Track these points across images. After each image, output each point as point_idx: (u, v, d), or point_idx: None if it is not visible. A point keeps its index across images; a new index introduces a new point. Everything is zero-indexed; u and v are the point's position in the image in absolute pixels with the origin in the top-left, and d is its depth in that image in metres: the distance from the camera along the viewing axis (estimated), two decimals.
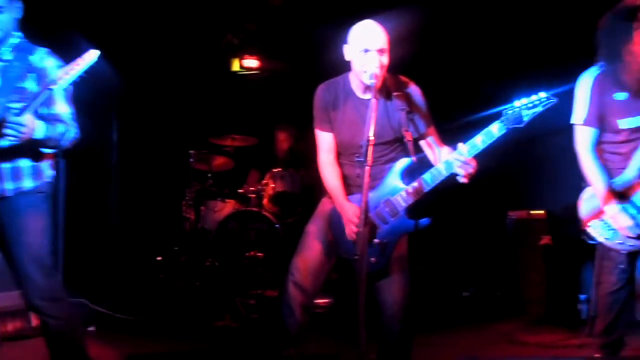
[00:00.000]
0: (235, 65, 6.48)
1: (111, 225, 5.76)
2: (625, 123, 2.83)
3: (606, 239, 2.88)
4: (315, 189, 3.15)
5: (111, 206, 5.83)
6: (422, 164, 2.76)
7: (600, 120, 2.86)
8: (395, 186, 2.75)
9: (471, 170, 2.56)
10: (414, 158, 2.65)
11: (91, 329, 4.04)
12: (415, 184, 2.69)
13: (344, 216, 2.76)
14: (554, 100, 2.43)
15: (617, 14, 2.80)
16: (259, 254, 5.19)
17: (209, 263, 5.23)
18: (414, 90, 2.82)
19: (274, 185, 5.45)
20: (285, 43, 6.16)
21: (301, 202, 5.44)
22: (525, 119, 2.46)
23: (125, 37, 5.48)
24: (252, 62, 6.40)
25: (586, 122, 2.88)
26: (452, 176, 2.61)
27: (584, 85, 2.87)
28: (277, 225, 5.24)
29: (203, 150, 5.71)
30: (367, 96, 2.76)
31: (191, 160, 5.63)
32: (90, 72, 2.50)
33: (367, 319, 2.36)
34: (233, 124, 5.84)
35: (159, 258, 5.48)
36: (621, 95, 2.81)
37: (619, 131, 2.85)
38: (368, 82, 2.64)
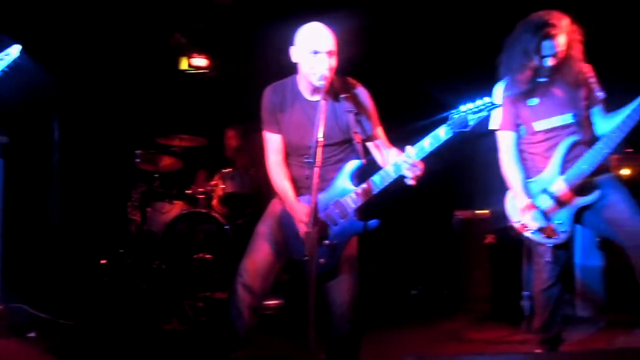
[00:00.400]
0: (184, 64, 6.38)
1: (52, 227, 5.58)
2: (540, 125, 3.06)
3: (532, 233, 3.04)
4: (265, 189, 3.13)
5: (52, 207, 5.65)
6: (372, 166, 2.80)
7: (516, 124, 3.10)
8: (345, 188, 2.77)
9: (418, 172, 2.61)
10: (363, 160, 2.68)
11: (31, 335, 3.89)
12: (364, 185, 2.72)
13: (295, 217, 2.76)
14: (498, 105, 2.51)
15: (525, 26, 2.98)
16: (208, 255, 5.13)
17: (155, 266, 5.13)
18: (362, 92, 2.85)
19: (223, 186, 5.39)
20: (233, 42, 6.11)
21: (251, 203, 5.41)
22: (471, 123, 2.54)
23: (72, 35, 5.33)
24: (200, 61, 6.32)
25: (502, 127, 3.13)
26: (401, 178, 2.66)
27: (497, 94, 3.09)
28: (227, 227, 5.20)
29: (150, 150, 5.59)
30: (315, 98, 2.78)
31: (137, 160, 5.50)
32: (24, 70, 2.41)
33: (316, 319, 2.37)
34: (181, 124, 5.75)
35: (103, 261, 5.33)
36: (533, 101, 3.06)
37: (535, 133, 3.07)
38: (317, 83, 2.65)
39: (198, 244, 5.19)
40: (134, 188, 5.50)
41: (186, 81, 6.42)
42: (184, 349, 3.91)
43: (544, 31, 2.90)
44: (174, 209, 5.42)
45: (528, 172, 3.14)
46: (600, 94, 3.10)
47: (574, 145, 3.02)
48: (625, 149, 4.40)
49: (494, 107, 2.54)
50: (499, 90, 3.12)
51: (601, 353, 2.41)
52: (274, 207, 2.94)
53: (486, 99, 2.53)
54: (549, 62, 2.96)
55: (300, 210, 2.74)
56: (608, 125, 3.02)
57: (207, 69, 6.40)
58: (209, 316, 4.51)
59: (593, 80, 3.09)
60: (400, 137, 2.86)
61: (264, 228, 2.90)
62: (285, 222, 2.82)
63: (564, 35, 2.93)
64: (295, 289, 4.36)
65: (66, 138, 5.79)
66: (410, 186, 2.64)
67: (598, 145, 2.96)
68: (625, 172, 4.30)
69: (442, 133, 2.58)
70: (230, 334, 2.85)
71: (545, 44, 2.92)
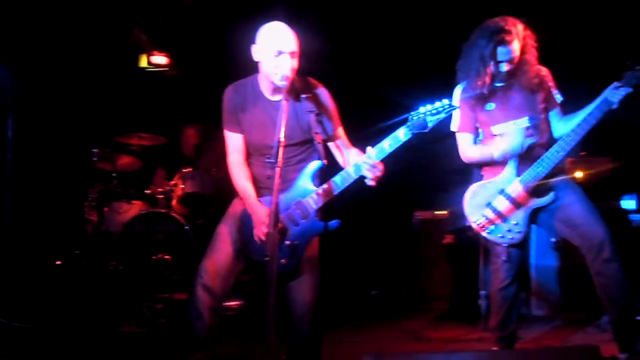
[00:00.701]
0: (143, 62, 6.27)
1: (5, 227, 5.40)
2: (497, 129, 3.13)
3: (488, 233, 3.10)
4: (226, 190, 3.11)
5: (5, 207, 5.48)
6: (333, 167, 2.81)
7: (475, 127, 3.19)
8: (306, 188, 2.78)
9: (378, 173, 2.64)
10: (324, 161, 2.70)
11: None
12: (325, 186, 2.74)
13: (255, 218, 2.75)
14: (456, 107, 2.56)
15: (480, 33, 3.05)
16: (167, 256, 5.06)
17: (112, 267, 5.03)
18: (323, 92, 2.86)
19: (183, 185, 5.32)
20: (195, 40, 6.04)
21: (212, 203, 5.36)
22: (430, 124, 2.58)
23: (27, 29, 5.18)
24: (160, 59, 6.22)
25: (460, 129, 3.20)
26: (362, 178, 2.68)
27: (456, 97, 3.17)
28: (187, 227, 5.13)
29: (107, 148, 5.48)
30: (276, 97, 2.78)
31: (94, 159, 5.37)
32: None
33: (277, 320, 2.36)
34: (140, 122, 5.65)
35: (58, 262, 5.20)
36: (490, 106, 3.13)
37: (493, 136, 3.15)
38: (279, 83, 2.65)
39: (157, 245, 5.11)
40: (91, 187, 5.37)
41: (146, 79, 6.31)
42: (142, 352, 3.85)
43: (498, 37, 2.97)
44: (132, 209, 5.33)
45: (487, 172, 3.21)
46: (557, 97, 3.19)
47: (530, 148, 3.09)
48: (580, 152, 4.53)
49: (452, 109, 2.58)
50: (457, 93, 3.19)
51: (554, 350, 2.47)
52: (235, 207, 2.93)
53: (445, 101, 2.57)
54: (505, 67, 3.03)
55: (261, 211, 2.74)
56: (565, 127, 3.11)
57: (168, 67, 6.30)
58: (168, 318, 4.45)
59: (550, 83, 3.18)
60: (362, 138, 2.89)
61: (225, 228, 2.88)
62: (246, 222, 2.81)
63: (517, 41, 3.01)
64: (256, 289, 4.35)
65: (20, 136, 5.61)
66: (370, 187, 2.67)
67: (555, 148, 3.04)
68: (579, 174, 4.42)
69: (401, 134, 2.61)
70: (190, 336, 2.82)
71: (500, 50, 2.98)
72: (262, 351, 2.42)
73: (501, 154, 3.08)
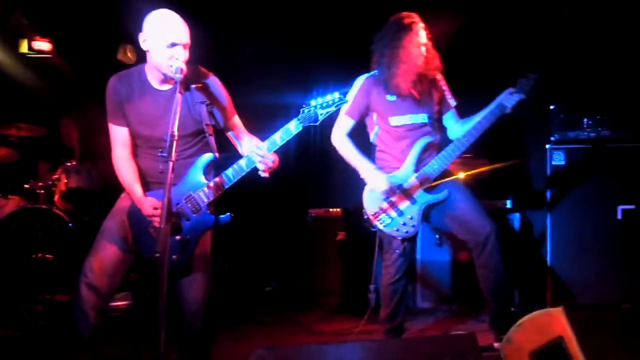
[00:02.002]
0: (24, 47, 5.85)
1: None
2: (395, 120, 3.31)
3: (385, 226, 3.24)
4: (114, 184, 2.97)
5: None
6: (227, 159, 2.78)
7: (361, 116, 3.36)
8: (198, 182, 2.73)
9: (271, 164, 2.65)
10: (216, 154, 2.66)
11: None
12: (217, 179, 2.70)
13: (144, 209, 2.66)
14: (347, 100, 2.62)
15: (392, 26, 3.26)
16: (48, 255, 4.78)
17: None
18: (214, 81, 2.83)
19: (67, 180, 5.05)
20: (80, 26, 5.72)
21: (98, 199, 5.12)
22: (320, 117, 2.60)
23: None
24: (43, 45, 5.83)
25: (347, 113, 3.36)
26: (255, 171, 2.67)
27: (356, 86, 3.36)
28: (70, 225, 4.87)
29: None
30: (165, 87, 2.72)
31: None
32: None
33: (167, 319, 2.30)
34: (19, 112, 5.28)
35: None
36: (391, 97, 3.30)
37: (390, 129, 3.32)
38: (174, 76, 2.58)
39: (37, 243, 4.82)
40: None
41: (26, 65, 5.90)
42: (19, 356, 3.61)
43: (413, 23, 3.19)
44: (9, 204, 4.99)
45: (383, 167, 3.34)
46: (452, 101, 3.39)
47: (427, 146, 3.27)
48: (466, 154, 4.81)
49: (342, 103, 2.60)
50: (359, 82, 3.34)
51: (434, 339, 2.63)
52: (123, 202, 2.82)
53: (335, 95, 2.59)
54: (423, 52, 3.20)
55: (149, 205, 2.65)
56: (460, 130, 3.32)
57: (50, 54, 5.92)
58: (49, 320, 4.21)
59: (444, 87, 3.38)
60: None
61: (112, 224, 2.76)
62: (135, 217, 2.71)
63: (424, 32, 3.22)
64: (144, 288, 4.22)
65: None
66: (264, 181, 2.68)
67: (450, 147, 3.25)
68: (461, 175, 4.69)
69: (292, 127, 2.62)
70: (74, 338, 2.68)
71: (412, 37, 3.18)
72: (151, 352, 2.34)
73: (365, 177, 3.28)
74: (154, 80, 2.75)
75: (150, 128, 2.72)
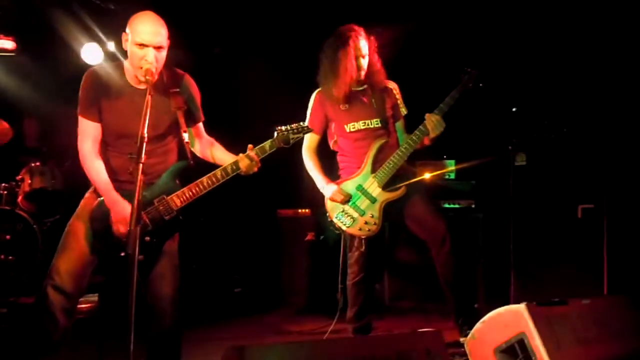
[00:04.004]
0: None
1: None
2: (350, 127, 3.46)
3: (348, 227, 3.35)
4: (79, 184, 2.93)
5: None
6: (199, 165, 2.81)
7: (322, 128, 3.51)
8: (172, 186, 2.74)
9: (255, 170, 2.77)
10: (191, 161, 2.67)
11: None
12: (192, 186, 2.72)
13: (114, 213, 2.64)
14: (311, 130, 2.93)
15: (331, 38, 3.41)
16: (11, 257, 4.68)
17: None
18: (189, 82, 2.85)
19: (30, 181, 4.95)
20: (44, 24, 5.61)
21: (63, 200, 5.04)
22: (291, 141, 2.83)
23: None
24: (6, 43, 5.70)
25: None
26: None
27: (311, 100, 3.52)
28: (35, 226, 4.78)
29: None
30: (142, 86, 2.70)
31: None
32: None
33: (136, 320, 2.28)
34: None
35: None
36: (344, 106, 3.45)
37: (347, 135, 3.48)
38: (142, 79, 2.57)
39: (0, 245, 4.72)
40: None
41: None
42: None
43: (350, 36, 3.30)
44: None
45: (344, 171, 3.45)
46: (403, 110, 3.50)
47: (382, 148, 3.35)
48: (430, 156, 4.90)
49: (308, 132, 2.90)
50: (313, 96, 3.49)
51: (402, 336, 2.69)
52: (89, 201, 2.78)
53: (302, 124, 2.87)
54: (362, 63, 3.29)
55: (121, 206, 2.63)
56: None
57: (14, 52, 5.80)
58: (13, 323, 4.13)
59: (398, 96, 3.48)
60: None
61: (78, 224, 2.73)
62: (100, 217, 2.68)
63: (367, 42, 3.33)
64: (112, 289, 4.17)
65: None
66: (234, 185, 2.71)
67: (403, 146, 3.37)
68: (427, 176, 4.78)
69: (267, 147, 2.79)
70: (40, 341, 2.64)
71: (348, 49, 3.29)
72: (119, 354, 2.33)
73: (320, 187, 3.42)
74: (132, 79, 2.74)
75: (123, 125, 2.71)
